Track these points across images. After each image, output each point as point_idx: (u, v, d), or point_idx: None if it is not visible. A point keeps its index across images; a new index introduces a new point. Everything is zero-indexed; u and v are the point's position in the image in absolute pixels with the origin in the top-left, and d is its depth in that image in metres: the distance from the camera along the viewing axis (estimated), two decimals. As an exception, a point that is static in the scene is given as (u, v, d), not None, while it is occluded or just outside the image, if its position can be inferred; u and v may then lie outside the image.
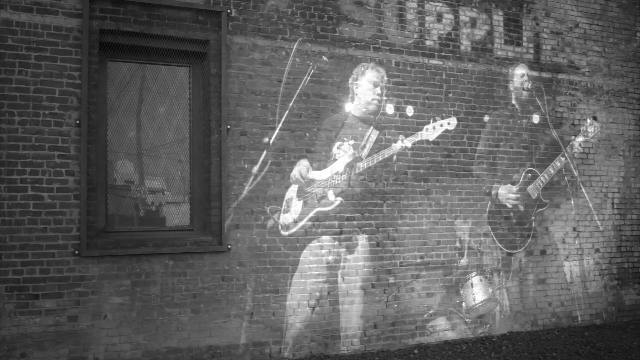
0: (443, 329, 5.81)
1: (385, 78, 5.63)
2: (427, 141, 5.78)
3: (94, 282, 4.52)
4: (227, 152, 4.99)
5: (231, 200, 5.00)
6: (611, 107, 6.99)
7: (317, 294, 5.27)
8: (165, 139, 5.16)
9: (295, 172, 5.17)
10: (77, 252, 4.47)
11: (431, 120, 5.77)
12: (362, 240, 5.48)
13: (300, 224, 5.24)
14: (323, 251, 5.31)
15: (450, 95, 5.98)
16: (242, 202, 5.04)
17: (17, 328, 4.31)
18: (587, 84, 6.85)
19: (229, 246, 4.96)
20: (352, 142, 5.48)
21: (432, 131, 5.71)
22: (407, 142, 5.61)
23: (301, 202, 5.24)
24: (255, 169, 5.11)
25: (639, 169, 7.14)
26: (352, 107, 5.47)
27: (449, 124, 5.75)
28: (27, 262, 4.36)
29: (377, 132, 5.55)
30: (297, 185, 5.23)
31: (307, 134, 5.31)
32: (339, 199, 5.35)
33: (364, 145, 5.46)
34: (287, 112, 5.24)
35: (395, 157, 5.64)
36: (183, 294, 4.79)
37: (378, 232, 5.55)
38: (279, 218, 5.15)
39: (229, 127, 5.01)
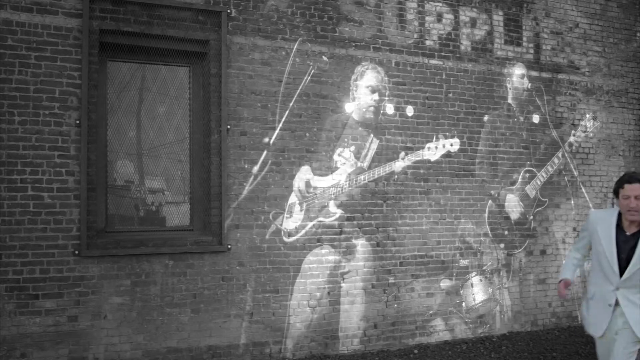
0: (443, 329, 5.81)
1: (386, 78, 5.60)
2: (429, 160, 5.75)
3: (94, 282, 4.52)
4: (227, 152, 4.99)
5: (231, 200, 5.00)
6: (611, 107, 6.99)
7: (317, 294, 5.27)
8: (165, 139, 5.16)
9: (297, 184, 5.18)
10: (77, 252, 4.47)
11: (433, 139, 5.75)
12: (361, 240, 5.48)
13: (302, 231, 5.24)
14: (323, 251, 5.31)
15: (450, 95, 5.98)
16: (242, 202, 5.04)
17: (17, 328, 4.31)
18: (587, 84, 6.85)
19: (229, 246, 4.96)
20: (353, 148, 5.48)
21: (434, 150, 5.72)
22: (408, 161, 5.60)
23: (303, 210, 5.24)
24: (255, 169, 5.11)
25: (639, 169, 7.13)
26: (353, 109, 5.45)
27: (451, 145, 5.76)
28: (27, 262, 4.36)
29: (377, 141, 5.53)
30: (299, 194, 5.23)
31: (307, 134, 5.31)
32: (339, 211, 5.34)
33: (366, 154, 5.45)
34: (287, 112, 5.24)
35: (395, 174, 5.63)
36: (183, 294, 4.79)
37: (378, 232, 5.55)
38: (281, 224, 5.15)
39: (229, 127, 5.01)
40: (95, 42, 4.62)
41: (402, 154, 5.65)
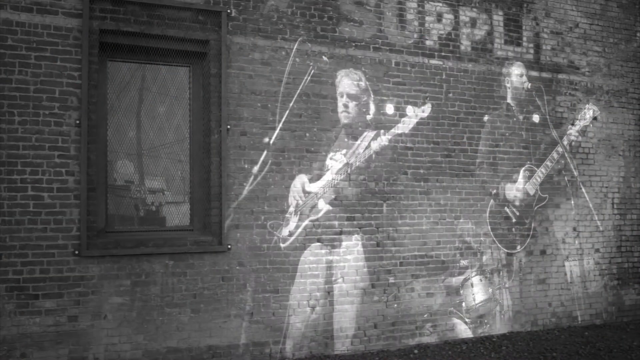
0: (443, 329, 5.81)
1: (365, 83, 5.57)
2: (404, 134, 5.73)
3: (94, 282, 4.52)
4: (227, 152, 4.99)
5: (231, 200, 5.00)
6: (611, 107, 6.99)
7: (317, 294, 5.27)
8: (165, 139, 5.16)
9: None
10: (77, 252, 4.47)
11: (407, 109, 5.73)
12: (362, 240, 5.48)
13: (298, 230, 5.24)
14: (323, 251, 5.31)
15: (450, 95, 5.98)
16: (242, 202, 5.04)
17: (17, 328, 4.31)
18: (587, 84, 6.85)
19: (229, 246, 4.95)
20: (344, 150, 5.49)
21: (408, 122, 5.70)
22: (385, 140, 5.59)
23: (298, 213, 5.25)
24: (255, 169, 5.11)
25: (639, 169, 7.14)
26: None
27: (423, 111, 5.72)
28: (27, 262, 4.36)
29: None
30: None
31: (307, 134, 5.31)
32: (327, 206, 5.34)
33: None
34: (287, 112, 5.24)
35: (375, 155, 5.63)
36: (183, 294, 4.79)
37: (378, 232, 5.55)
38: (280, 232, 5.15)
39: (229, 127, 5.01)
40: (95, 42, 4.62)
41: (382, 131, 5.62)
